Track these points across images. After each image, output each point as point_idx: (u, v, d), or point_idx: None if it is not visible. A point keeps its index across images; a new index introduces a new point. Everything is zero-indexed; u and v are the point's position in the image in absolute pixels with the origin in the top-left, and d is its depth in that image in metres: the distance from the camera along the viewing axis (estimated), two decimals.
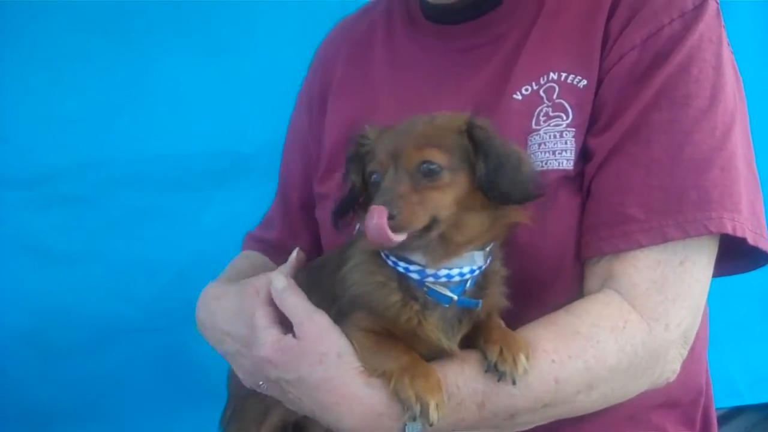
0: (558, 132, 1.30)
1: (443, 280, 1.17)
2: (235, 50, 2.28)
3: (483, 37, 1.45)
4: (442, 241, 1.15)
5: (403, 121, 1.21)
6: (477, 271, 1.18)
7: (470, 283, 1.19)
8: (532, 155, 1.31)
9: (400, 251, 1.17)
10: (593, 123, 1.30)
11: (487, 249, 1.19)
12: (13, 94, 2.23)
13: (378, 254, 1.21)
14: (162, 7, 2.25)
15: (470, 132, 1.16)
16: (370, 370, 1.16)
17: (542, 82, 1.33)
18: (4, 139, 2.22)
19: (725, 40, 1.31)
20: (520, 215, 1.19)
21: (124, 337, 2.26)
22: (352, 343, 1.18)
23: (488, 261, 1.20)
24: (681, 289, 1.24)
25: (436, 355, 1.19)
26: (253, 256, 1.70)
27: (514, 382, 1.16)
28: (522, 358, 1.16)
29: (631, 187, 1.25)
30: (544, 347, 1.20)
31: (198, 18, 2.27)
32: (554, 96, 1.32)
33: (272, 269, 1.43)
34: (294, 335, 1.21)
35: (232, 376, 1.47)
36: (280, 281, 1.27)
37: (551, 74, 1.33)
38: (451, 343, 1.18)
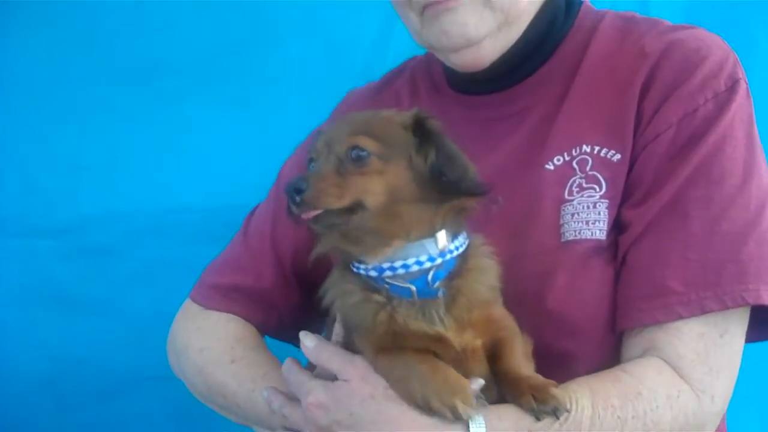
0: (592, 203, 1.35)
1: (401, 272, 1.19)
2: (261, 103, 2.31)
3: (509, 109, 1.50)
4: (375, 232, 1.19)
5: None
6: (439, 259, 1.20)
7: (434, 274, 1.21)
8: (565, 225, 1.35)
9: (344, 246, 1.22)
10: (628, 196, 1.35)
11: (441, 237, 1.21)
12: (41, 145, 2.27)
13: (348, 267, 1.25)
14: (189, 59, 2.30)
15: (420, 125, 1.22)
16: (403, 395, 1.18)
17: (574, 153, 1.38)
18: (33, 189, 2.25)
19: (753, 118, 1.37)
20: (467, 201, 1.23)
21: (142, 385, 2.27)
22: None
23: (456, 251, 1.22)
24: (723, 361, 1.30)
25: (455, 355, 1.22)
26: (240, 329, 1.64)
27: (567, 410, 1.19)
28: (551, 389, 1.19)
29: (670, 261, 1.29)
30: (611, 402, 1.24)
31: (225, 70, 2.31)
32: (587, 168, 1.37)
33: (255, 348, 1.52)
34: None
35: None
36: (310, 339, 1.30)
37: (584, 147, 1.38)
38: (444, 330, 1.20)
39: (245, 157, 2.28)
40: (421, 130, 1.22)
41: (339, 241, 1.23)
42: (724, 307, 1.26)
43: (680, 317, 1.28)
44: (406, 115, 1.24)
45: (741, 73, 1.37)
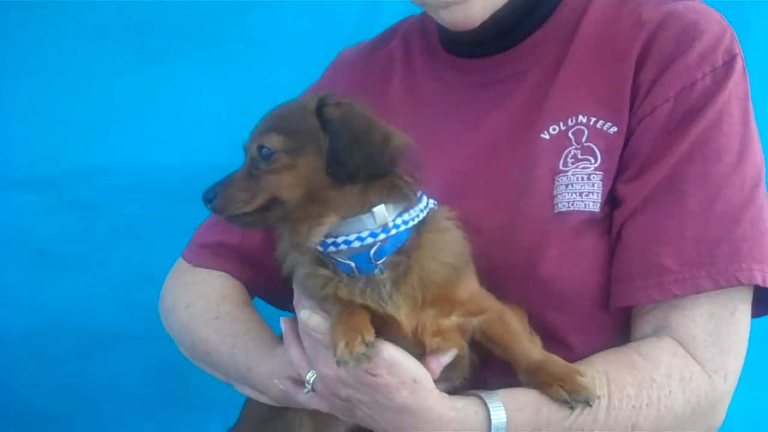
0: (586, 174, 1.34)
1: (343, 248, 1.19)
2: (246, 63, 2.29)
3: (503, 72, 1.48)
4: (302, 219, 1.20)
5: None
6: (382, 235, 1.19)
7: (377, 249, 1.20)
8: (558, 195, 1.35)
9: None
10: (623, 170, 1.35)
11: (378, 212, 1.20)
12: (22, 99, 2.25)
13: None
14: (173, 17, 2.27)
15: (320, 111, 1.20)
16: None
17: (570, 123, 1.37)
18: (14, 142, 2.23)
19: (749, 94, 1.37)
20: (394, 179, 1.22)
21: (121, 344, 2.26)
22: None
23: (404, 225, 1.21)
24: (734, 341, 1.32)
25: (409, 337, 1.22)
26: (227, 286, 1.65)
27: (598, 398, 1.22)
28: (578, 378, 1.21)
29: (666, 239, 1.30)
30: (627, 392, 1.26)
31: (210, 29, 2.28)
32: (583, 139, 1.36)
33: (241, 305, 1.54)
34: None
35: (248, 403, 1.51)
36: (305, 312, 1.26)
37: (580, 117, 1.37)
38: (393, 309, 1.20)
39: (228, 117, 2.19)
40: (322, 116, 1.21)
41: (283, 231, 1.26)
42: (718, 286, 1.27)
43: (674, 296, 1.29)
44: (310, 101, 1.23)
45: (738, 49, 1.36)
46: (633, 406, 1.25)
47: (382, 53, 1.68)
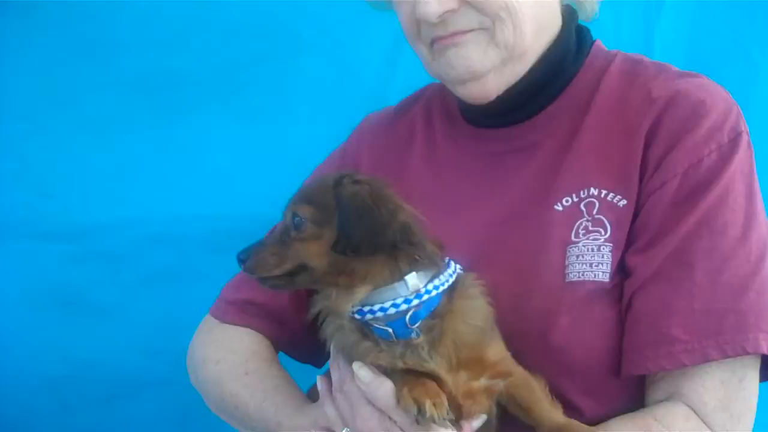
0: (596, 246, 1.40)
1: (380, 315, 1.25)
2: (268, 115, 2.37)
3: (519, 143, 1.54)
4: (332, 285, 1.28)
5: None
6: (415, 300, 1.25)
7: (412, 315, 1.25)
8: (569, 266, 1.40)
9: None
10: (633, 241, 1.40)
11: (411, 279, 1.25)
12: (55, 151, 2.32)
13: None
14: (201, 70, 2.35)
15: (336, 188, 1.28)
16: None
17: (582, 195, 1.43)
18: (48, 194, 2.31)
19: (754, 169, 1.42)
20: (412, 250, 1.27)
21: (147, 390, 2.31)
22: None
23: (435, 291, 1.26)
24: (743, 406, 1.37)
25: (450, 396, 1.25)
26: (255, 343, 1.69)
27: None
28: None
29: (675, 310, 1.34)
30: None
31: (236, 82, 2.36)
32: (594, 211, 1.42)
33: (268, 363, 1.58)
34: None
35: None
36: (365, 372, 1.28)
37: (592, 189, 1.43)
38: (435, 367, 1.25)
39: (253, 167, 2.33)
40: (336, 192, 1.28)
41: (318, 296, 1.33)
42: (725, 355, 1.32)
43: (683, 365, 1.33)
44: (332, 178, 1.31)
45: (743, 125, 1.42)
46: None
47: (405, 119, 1.75)
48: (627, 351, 1.38)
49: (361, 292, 1.26)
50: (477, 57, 1.45)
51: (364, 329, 1.28)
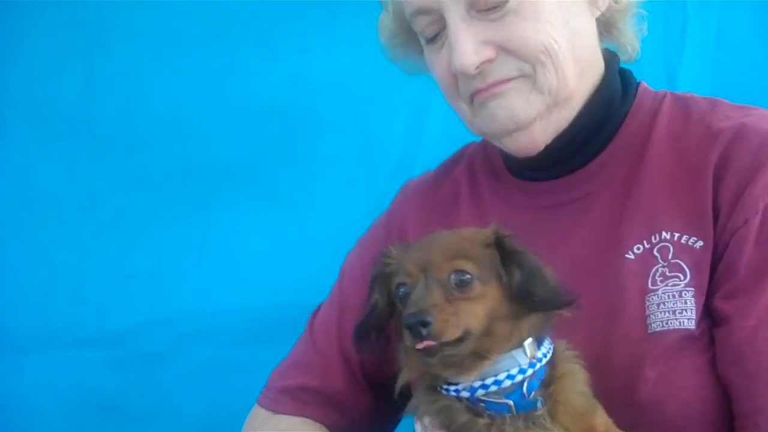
0: (677, 292, 1.31)
1: (493, 388, 1.14)
2: (296, 199, 2.36)
3: (573, 194, 1.47)
4: (473, 354, 1.14)
5: (426, 236, 1.24)
6: (530, 370, 1.16)
7: (529, 384, 1.16)
8: (651, 315, 1.32)
9: (439, 371, 1.17)
10: (719, 285, 1.31)
11: (528, 346, 1.17)
12: (87, 256, 2.32)
13: (434, 389, 1.20)
14: (225, 162, 2.35)
15: (499, 243, 1.18)
16: None
17: (654, 241, 1.35)
18: (81, 300, 2.30)
19: None
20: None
21: None
22: None
23: (545, 358, 1.18)
24: None
25: None
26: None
27: None
28: None
29: None
30: None
31: (258, 168, 2.36)
32: (669, 256, 1.33)
33: None
34: None
35: None
36: None
37: (663, 234, 1.34)
38: None
39: (284, 254, 2.31)
40: (502, 248, 1.19)
41: (436, 367, 1.17)
42: None
43: None
44: (487, 233, 1.21)
45: None
46: None
47: (448, 181, 1.67)
48: (740, 418, 1.27)
49: (492, 359, 1.14)
50: (520, 105, 1.38)
51: (470, 405, 1.16)
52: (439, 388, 1.20)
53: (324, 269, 2.19)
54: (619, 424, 1.24)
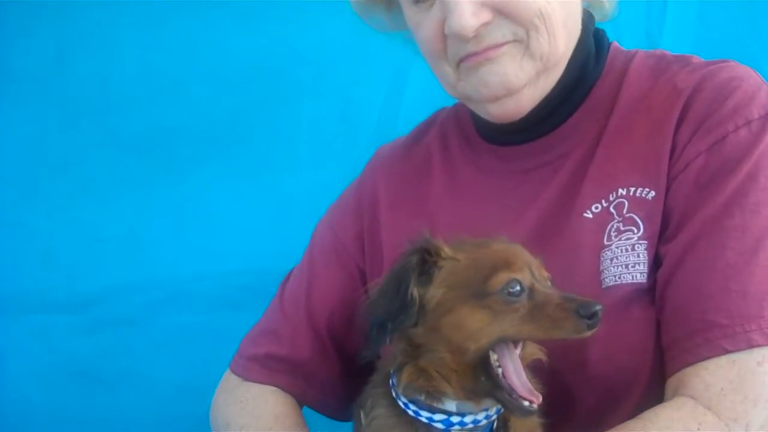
0: (630, 245, 1.31)
1: (469, 426, 1.15)
2: (274, 166, 2.33)
3: (545, 158, 1.46)
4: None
5: (484, 238, 1.23)
6: (501, 409, 1.17)
7: (496, 420, 1.18)
8: (605, 270, 1.32)
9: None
10: (662, 231, 1.31)
11: None
12: (58, 219, 2.29)
13: (394, 401, 1.21)
14: (201, 125, 2.32)
15: None
16: None
17: (611, 198, 1.35)
18: (52, 264, 2.27)
19: None
20: None
21: None
22: None
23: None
24: (762, 390, 1.21)
25: None
26: (280, 404, 1.58)
27: None
28: None
29: (710, 293, 1.24)
30: None
31: (237, 135, 2.33)
32: (624, 211, 1.33)
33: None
34: None
35: None
36: None
37: (620, 190, 1.35)
38: None
39: (260, 220, 2.29)
40: None
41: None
42: None
43: (726, 351, 1.21)
44: None
45: None
46: None
47: (420, 147, 1.67)
48: (668, 349, 1.28)
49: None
50: (513, 71, 1.36)
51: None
52: (404, 407, 1.19)
53: (300, 235, 2.18)
54: (574, 382, 1.28)
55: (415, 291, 1.16)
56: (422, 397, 1.16)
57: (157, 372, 2.26)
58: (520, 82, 1.38)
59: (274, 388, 1.58)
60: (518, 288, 1.13)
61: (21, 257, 2.29)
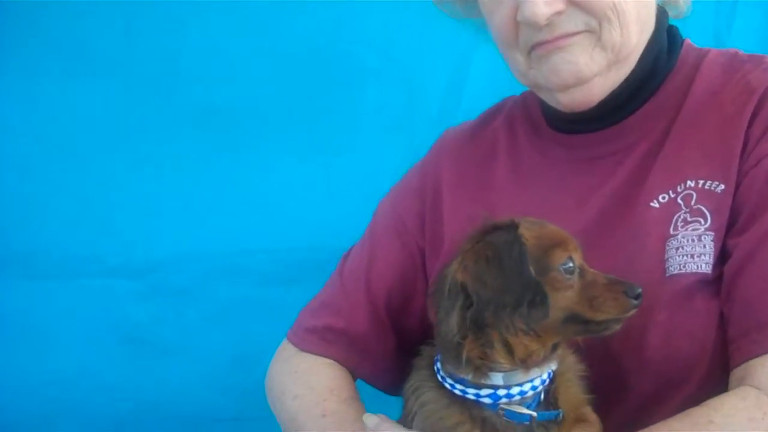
0: (696, 236, 1.32)
1: (517, 398, 1.17)
2: (335, 145, 2.35)
3: (612, 147, 1.47)
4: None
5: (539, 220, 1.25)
6: (548, 379, 1.19)
7: (543, 393, 1.19)
8: (669, 259, 1.33)
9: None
10: (732, 225, 1.32)
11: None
12: (118, 188, 2.33)
13: (440, 384, 1.23)
14: (264, 105, 2.34)
15: None
16: None
17: (679, 190, 1.36)
18: (110, 231, 2.31)
19: None
20: None
21: (215, 427, 2.28)
22: None
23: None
24: None
25: None
26: (335, 377, 1.61)
27: None
28: None
29: None
30: None
31: (299, 116, 2.35)
32: (692, 202, 1.34)
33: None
34: None
35: None
36: (371, 419, 1.30)
37: (688, 182, 1.35)
38: None
39: (320, 198, 2.31)
40: None
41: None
42: None
43: None
44: None
45: None
46: None
47: (486, 133, 1.68)
48: (733, 340, 1.29)
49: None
50: (583, 61, 1.38)
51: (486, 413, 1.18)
52: (450, 387, 1.20)
53: (354, 215, 2.21)
54: (630, 367, 1.29)
55: (532, 269, 1.16)
56: (470, 377, 1.18)
57: (208, 342, 2.29)
58: (591, 72, 1.39)
59: (329, 361, 1.61)
60: (571, 265, 1.17)
61: (81, 223, 2.32)
